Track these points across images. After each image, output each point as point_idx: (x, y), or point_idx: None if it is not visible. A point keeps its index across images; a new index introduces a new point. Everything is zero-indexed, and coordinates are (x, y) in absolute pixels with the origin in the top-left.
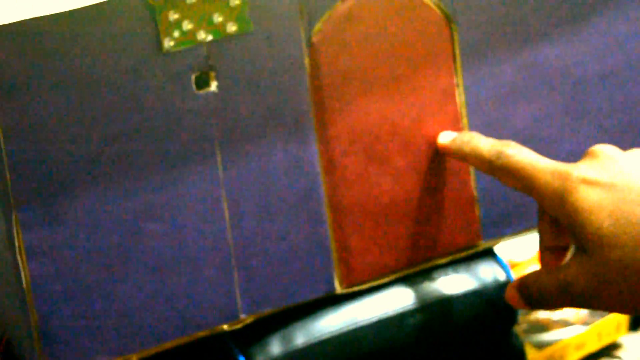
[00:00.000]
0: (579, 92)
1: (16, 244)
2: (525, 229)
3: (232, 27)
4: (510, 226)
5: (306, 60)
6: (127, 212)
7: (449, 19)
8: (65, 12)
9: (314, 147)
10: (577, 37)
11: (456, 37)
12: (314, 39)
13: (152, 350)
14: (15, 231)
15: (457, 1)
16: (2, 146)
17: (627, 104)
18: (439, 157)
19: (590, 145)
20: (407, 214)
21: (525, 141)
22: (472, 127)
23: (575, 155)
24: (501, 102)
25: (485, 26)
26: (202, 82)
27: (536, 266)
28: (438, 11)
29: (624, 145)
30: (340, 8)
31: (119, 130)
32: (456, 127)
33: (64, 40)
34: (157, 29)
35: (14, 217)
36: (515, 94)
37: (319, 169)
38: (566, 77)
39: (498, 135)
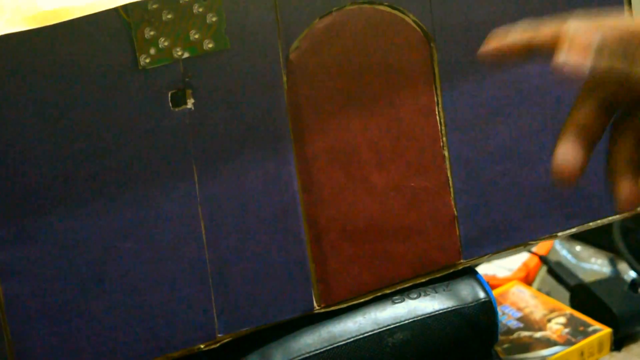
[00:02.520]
0: (559, 110)
1: None
2: (506, 247)
3: (209, 44)
4: (490, 245)
5: (284, 78)
6: (102, 230)
7: (428, 37)
8: (39, 27)
9: (292, 165)
10: None
11: (435, 55)
12: (292, 56)
13: None
14: None
15: (437, 19)
16: None
17: None
18: (418, 175)
19: None
20: (386, 232)
21: (505, 159)
22: (452, 145)
23: None
24: (481, 120)
25: (464, 44)
26: (179, 100)
27: (518, 287)
28: (418, 29)
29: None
30: (319, 25)
31: (93, 148)
32: (435, 145)
33: (37, 57)
34: (133, 46)
35: None
36: (495, 112)
37: (296, 187)
38: (546, 95)
39: (478, 153)
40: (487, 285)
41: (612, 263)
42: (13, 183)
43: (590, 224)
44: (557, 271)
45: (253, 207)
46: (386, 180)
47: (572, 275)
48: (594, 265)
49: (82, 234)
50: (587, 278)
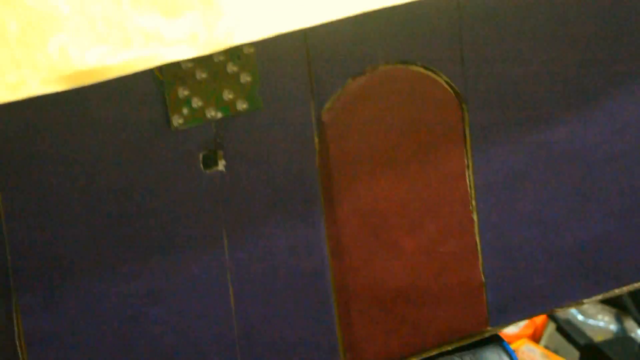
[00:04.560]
0: (587, 174)
1: (16, 329)
2: (533, 314)
3: (242, 105)
4: (517, 312)
5: (315, 139)
6: (130, 296)
7: (460, 98)
8: (74, 88)
9: (322, 229)
10: (586, 119)
11: (467, 117)
12: (324, 117)
13: None
14: (15, 316)
15: (469, 80)
16: (3, 226)
17: (635, 188)
18: (447, 239)
19: (598, 229)
20: (414, 298)
21: (533, 223)
22: (481, 209)
23: (582, 239)
24: (510, 184)
25: (496, 107)
26: (210, 161)
27: (528, 346)
28: (450, 90)
29: (632, 230)
30: (352, 85)
31: (123, 210)
32: (465, 209)
33: (69, 115)
34: (165, 106)
35: (14, 301)
36: (523, 176)
37: (326, 251)
38: (574, 160)
39: (506, 217)
40: (513, 353)
41: (619, 320)
42: (42, 247)
43: (616, 290)
44: (566, 329)
45: (282, 272)
46: (415, 245)
47: (581, 333)
48: (600, 322)
49: (111, 300)
50: (595, 336)
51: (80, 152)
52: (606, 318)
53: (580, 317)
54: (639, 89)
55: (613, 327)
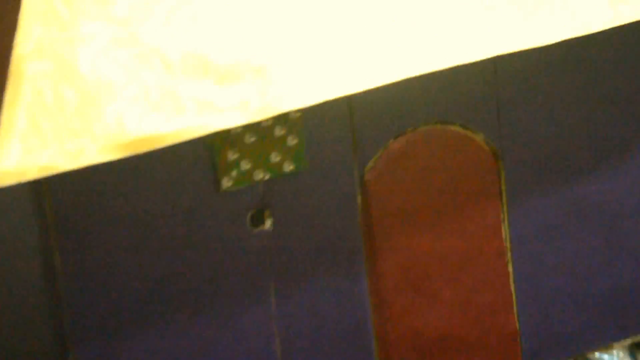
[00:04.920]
0: (617, 226)
1: None
2: (565, 358)
3: (289, 167)
4: (550, 357)
5: (358, 197)
6: (182, 349)
7: (496, 155)
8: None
9: (364, 283)
10: (617, 172)
11: (503, 173)
12: (367, 176)
13: None
14: None
15: (505, 138)
16: (59, 285)
17: None
18: (483, 290)
19: (629, 280)
20: (453, 347)
21: (565, 273)
22: (516, 260)
23: (613, 289)
24: (544, 237)
25: (531, 161)
26: (257, 220)
27: None
28: (487, 148)
29: None
30: (393, 146)
31: (175, 268)
32: (501, 261)
33: (126, 180)
34: (215, 168)
35: (70, 358)
36: (556, 228)
37: (368, 304)
38: (605, 213)
39: (540, 268)
40: None
41: (632, 355)
42: (96, 304)
43: None
44: None
45: (326, 324)
46: (453, 295)
47: None
48: (614, 357)
49: (162, 354)
50: None
51: (135, 213)
52: (621, 354)
53: (596, 354)
54: None
55: None
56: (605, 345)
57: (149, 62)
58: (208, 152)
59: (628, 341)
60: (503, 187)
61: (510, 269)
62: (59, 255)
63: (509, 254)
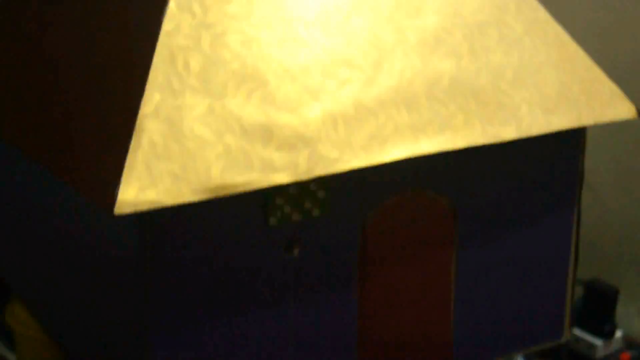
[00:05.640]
0: (532, 269)
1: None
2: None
3: (316, 212)
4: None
5: (359, 237)
6: (226, 342)
7: (454, 213)
8: (197, 202)
9: (355, 298)
10: (535, 231)
11: (457, 226)
12: (367, 222)
13: None
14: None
15: (461, 201)
16: (147, 291)
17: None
18: (433, 309)
19: (534, 306)
20: (408, 349)
21: (490, 301)
22: (457, 289)
23: (523, 311)
24: (480, 273)
25: (479, 219)
26: (289, 249)
27: None
28: (448, 207)
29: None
30: (388, 202)
31: (233, 285)
32: (448, 289)
33: (198, 215)
34: (265, 210)
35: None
36: (491, 266)
37: (356, 314)
38: (524, 256)
39: (473, 296)
40: None
41: None
42: (175, 304)
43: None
44: None
45: (325, 327)
46: (413, 311)
47: None
48: None
49: (213, 346)
50: None
51: (205, 241)
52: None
53: None
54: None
55: None
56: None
57: (232, 127)
58: (261, 197)
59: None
60: (456, 236)
61: (452, 295)
62: (149, 267)
63: (453, 284)
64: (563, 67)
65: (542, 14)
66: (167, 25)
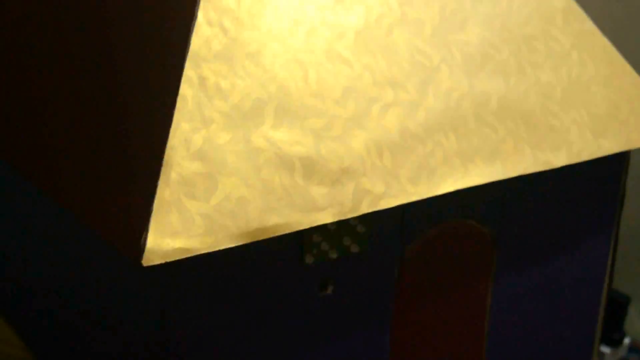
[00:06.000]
0: (564, 295)
1: None
2: None
3: (355, 248)
4: None
5: (395, 271)
6: None
7: (494, 243)
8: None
9: (387, 334)
10: (569, 259)
11: (495, 256)
12: (406, 255)
13: None
14: None
15: (501, 230)
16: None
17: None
18: (467, 341)
19: (566, 336)
20: None
21: (520, 329)
22: (492, 319)
23: (553, 341)
24: (513, 304)
25: (516, 249)
26: (323, 287)
27: None
28: (489, 237)
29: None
30: (429, 233)
31: (267, 322)
32: (482, 320)
33: (231, 257)
34: (301, 247)
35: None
36: (523, 296)
37: (388, 345)
38: (557, 286)
39: (506, 326)
40: None
41: None
42: (199, 340)
43: None
44: None
45: None
46: (445, 345)
47: None
48: None
49: None
50: None
51: (240, 278)
52: None
53: None
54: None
55: None
56: None
57: (270, 160)
58: (300, 235)
59: None
60: (493, 266)
61: (486, 326)
62: (173, 311)
63: (487, 316)
64: (612, 84)
65: (589, 26)
66: (195, 43)
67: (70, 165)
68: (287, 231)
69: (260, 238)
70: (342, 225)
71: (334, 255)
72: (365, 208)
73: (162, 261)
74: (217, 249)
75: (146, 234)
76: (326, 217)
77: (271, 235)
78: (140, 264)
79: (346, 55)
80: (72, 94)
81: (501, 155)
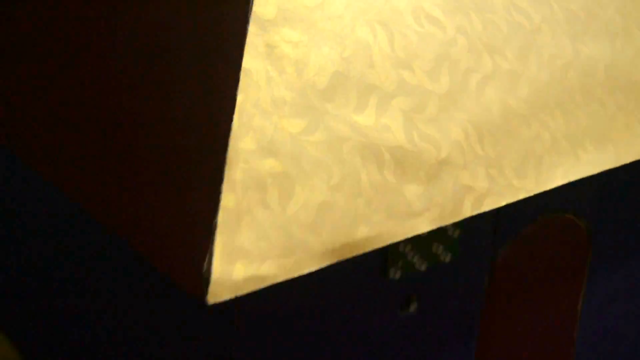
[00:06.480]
0: None
1: None
2: None
3: (446, 257)
4: None
5: (486, 279)
6: None
7: (590, 238)
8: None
9: (473, 348)
10: None
11: (590, 253)
12: (499, 259)
13: None
14: None
15: (598, 224)
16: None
17: None
18: (555, 349)
19: None
20: None
21: (616, 338)
22: (582, 325)
23: None
24: (608, 306)
25: (613, 245)
26: (405, 305)
27: None
28: (585, 232)
29: None
30: (524, 232)
31: (343, 341)
32: (572, 325)
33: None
34: (385, 258)
35: None
36: (619, 299)
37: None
38: None
39: (599, 333)
40: None
41: None
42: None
43: None
44: None
45: None
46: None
47: None
48: None
49: None
50: None
51: (315, 297)
52: None
53: None
54: None
55: None
56: None
57: (355, 151)
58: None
59: None
60: (588, 264)
61: (576, 329)
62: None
63: (578, 318)
64: None
65: None
66: (259, 2)
67: (99, 166)
68: (380, 245)
69: (349, 256)
70: (433, 230)
71: (422, 267)
72: (469, 210)
73: (233, 296)
74: (298, 274)
75: (210, 259)
76: (424, 225)
77: (361, 251)
78: (205, 302)
79: (436, 15)
80: (108, 77)
81: (612, 136)
